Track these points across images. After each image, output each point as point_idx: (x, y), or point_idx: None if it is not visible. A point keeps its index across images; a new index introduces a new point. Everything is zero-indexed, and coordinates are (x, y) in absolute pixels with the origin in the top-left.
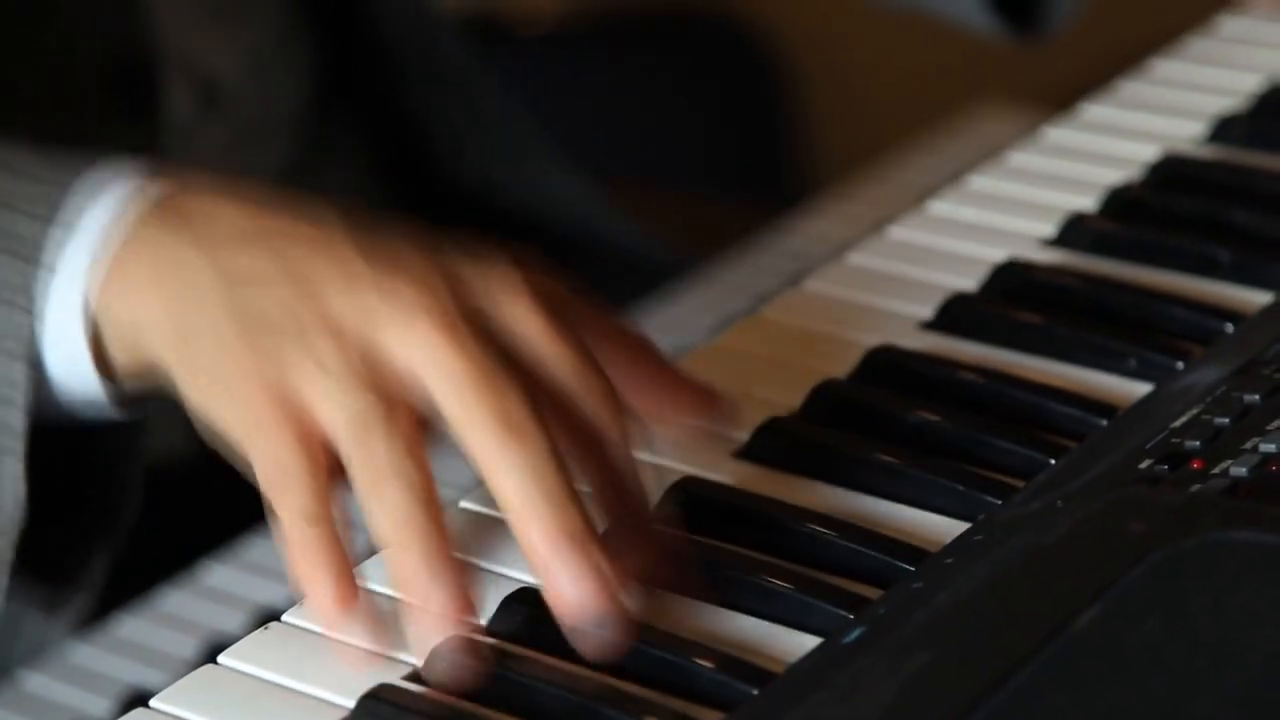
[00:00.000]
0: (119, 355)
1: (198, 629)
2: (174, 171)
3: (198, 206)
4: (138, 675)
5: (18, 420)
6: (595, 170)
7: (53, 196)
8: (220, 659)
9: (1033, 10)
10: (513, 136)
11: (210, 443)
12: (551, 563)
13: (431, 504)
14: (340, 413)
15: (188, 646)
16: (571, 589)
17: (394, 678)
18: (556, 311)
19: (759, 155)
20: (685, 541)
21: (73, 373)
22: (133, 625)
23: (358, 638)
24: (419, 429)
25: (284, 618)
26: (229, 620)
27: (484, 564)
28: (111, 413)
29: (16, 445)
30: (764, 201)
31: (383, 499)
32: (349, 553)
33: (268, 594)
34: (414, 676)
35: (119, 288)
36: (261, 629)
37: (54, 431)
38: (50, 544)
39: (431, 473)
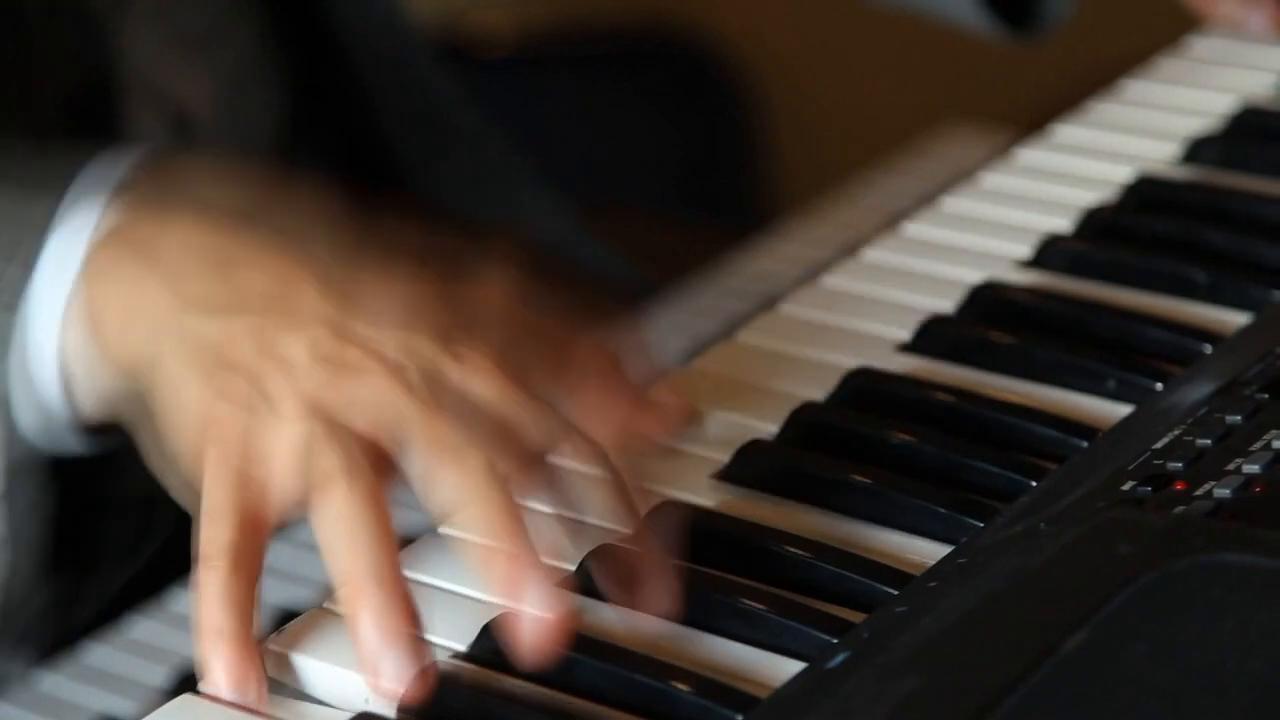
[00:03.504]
0: (87, 398)
1: (168, 656)
2: (142, 200)
3: (167, 243)
4: (107, 704)
5: None
6: (561, 193)
7: (23, 237)
8: (200, 688)
9: (1027, 10)
10: (485, 160)
11: (168, 487)
12: (490, 569)
13: (390, 561)
14: (291, 444)
15: (158, 674)
16: (511, 585)
17: (375, 705)
18: (526, 347)
19: (724, 177)
20: (677, 567)
21: (44, 417)
22: (102, 653)
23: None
24: (380, 487)
25: (264, 644)
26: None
27: (461, 589)
28: (81, 450)
29: None
30: (730, 224)
31: (341, 552)
32: (255, 618)
33: None
34: (405, 709)
35: (87, 328)
36: None
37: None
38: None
39: (391, 533)
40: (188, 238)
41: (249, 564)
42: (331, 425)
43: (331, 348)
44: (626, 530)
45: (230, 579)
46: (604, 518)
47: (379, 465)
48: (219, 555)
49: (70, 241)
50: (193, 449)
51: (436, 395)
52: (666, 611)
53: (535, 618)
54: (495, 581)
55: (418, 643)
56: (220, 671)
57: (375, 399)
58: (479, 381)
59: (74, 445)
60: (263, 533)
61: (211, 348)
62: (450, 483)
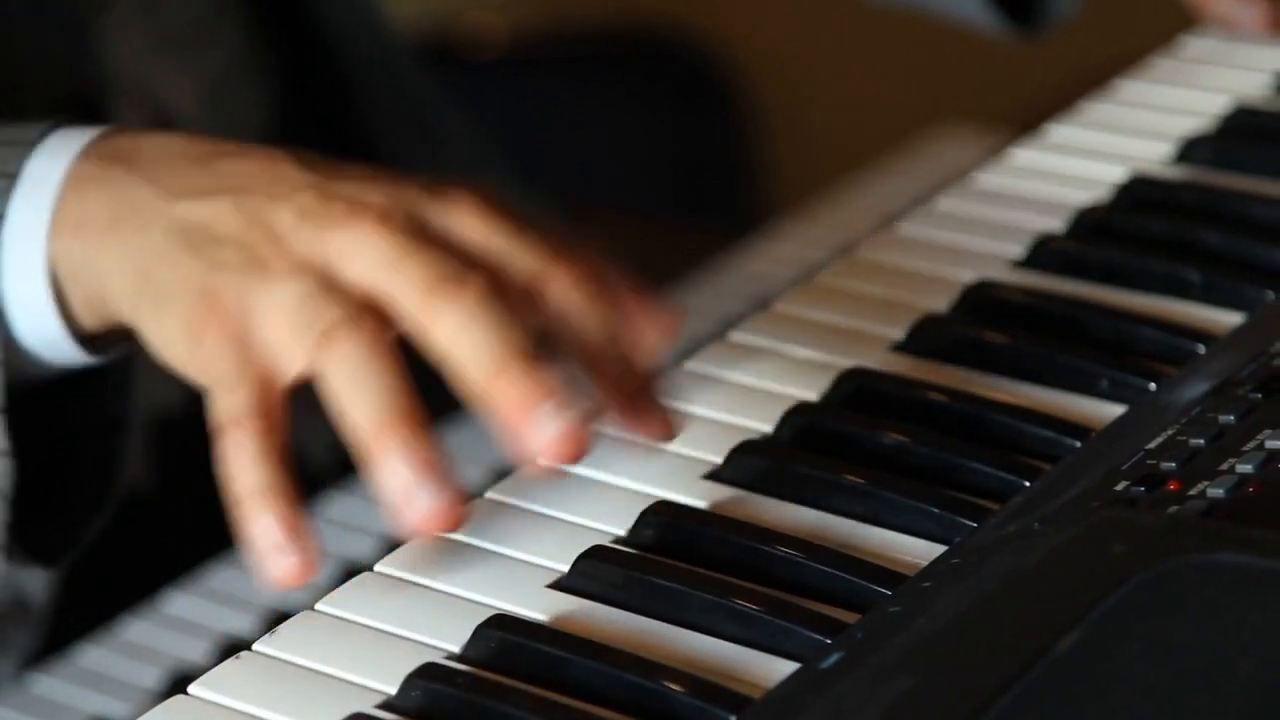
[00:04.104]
0: (82, 307)
1: (161, 658)
2: (125, 131)
3: (146, 144)
4: (100, 706)
5: None
6: (551, 194)
7: (7, 157)
8: (191, 689)
9: (1032, 6)
10: (471, 161)
11: (176, 378)
12: (496, 386)
13: (408, 401)
14: (288, 316)
15: (150, 676)
16: (521, 405)
17: (368, 707)
18: (513, 222)
19: (717, 178)
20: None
21: (41, 333)
22: (95, 655)
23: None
24: (385, 334)
25: (254, 646)
26: (192, 649)
27: (455, 590)
28: (87, 362)
29: None
30: (723, 225)
31: (357, 400)
32: (290, 499)
33: (231, 622)
34: (388, 705)
35: (73, 236)
36: (232, 658)
37: (37, 391)
38: (44, 502)
39: (405, 375)
40: (166, 142)
41: (272, 422)
42: (325, 279)
43: (317, 206)
44: (616, 350)
45: (258, 437)
46: (597, 337)
47: (378, 314)
48: (238, 421)
49: (51, 159)
50: (193, 327)
51: (425, 236)
52: (666, 434)
53: (551, 436)
54: (505, 404)
55: (447, 473)
56: (269, 528)
57: (364, 244)
58: (466, 218)
59: (74, 358)
60: (278, 393)
61: (199, 227)
62: (448, 312)
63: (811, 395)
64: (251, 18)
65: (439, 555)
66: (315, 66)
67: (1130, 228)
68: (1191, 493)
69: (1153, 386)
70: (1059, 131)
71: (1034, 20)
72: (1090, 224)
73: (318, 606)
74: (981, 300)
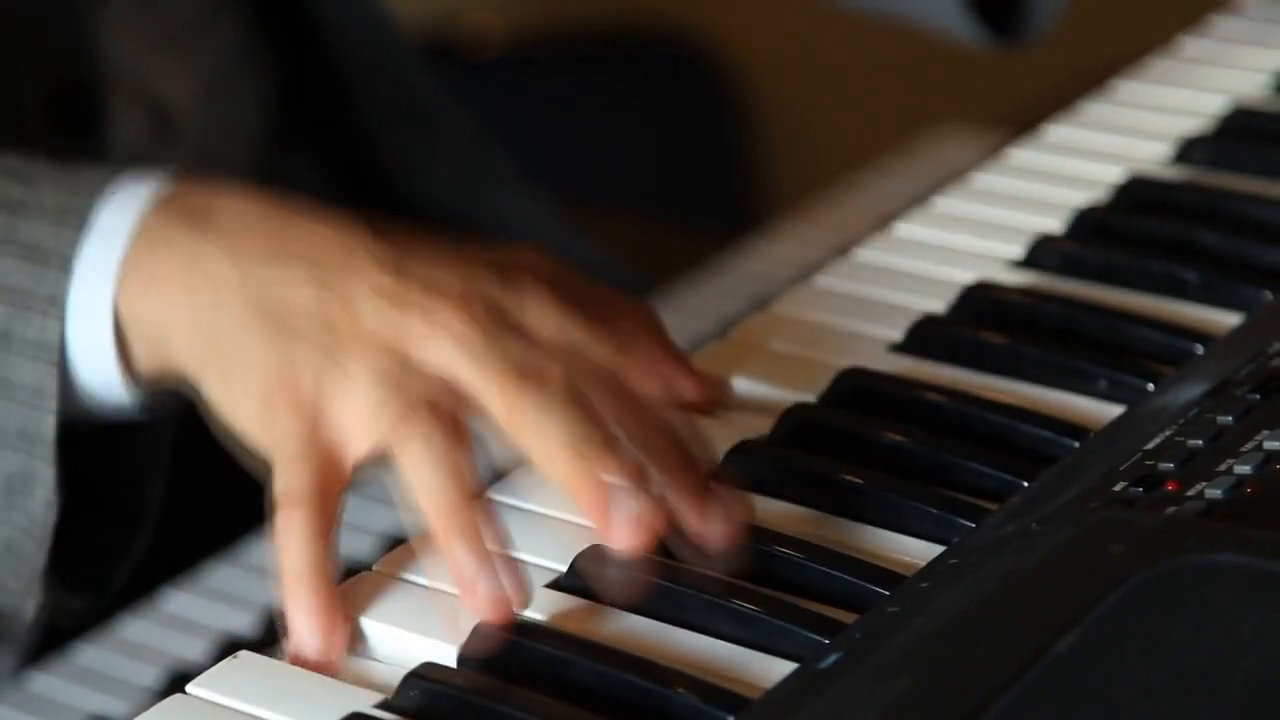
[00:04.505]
0: (143, 357)
1: (159, 657)
2: (193, 178)
3: (220, 207)
4: (99, 704)
5: (48, 428)
6: (552, 193)
7: (74, 203)
8: (189, 688)
9: (1012, 17)
10: (473, 161)
11: (230, 447)
12: (576, 479)
13: (473, 492)
14: (366, 404)
15: (149, 675)
16: (601, 496)
17: (366, 706)
18: (578, 306)
19: (716, 178)
20: (745, 501)
21: (98, 376)
22: (93, 654)
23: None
24: (460, 421)
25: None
26: (190, 648)
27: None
28: (132, 414)
29: (47, 452)
30: (721, 225)
31: (428, 486)
32: (335, 566)
33: (230, 621)
34: (386, 705)
35: (144, 289)
36: (230, 657)
37: (79, 431)
38: (75, 538)
39: (475, 468)
40: (240, 205)
41: (327, 510)
42: (404, 368)
43: (394, 286)
44: (678, 447)
45: (309, 523)
46: (660, 434)
47: (455, 405)
48: (297, 500)
49: (122, 207)
50: (265, 400)
51: (503, 324)
52: (733, 536)
53: (629, 537)
54: (586, 497)
55: (511, 563)
56: (302, 617)
57: (443, 330)
58: (540, 310)
59: (123, 404)
60: (339, 482)
61: (274, 303)
62: (530, 406)
63: (809, 395)
64: (249, 15)
65: (438, 555)
66: (314, 64)
67: (1128, 228)
68: (1190, 493)
69: (1151, 387)
70: (1057, 132)
71: (1013, 31)
72: (1089, 224)
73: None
74: (980, 300)
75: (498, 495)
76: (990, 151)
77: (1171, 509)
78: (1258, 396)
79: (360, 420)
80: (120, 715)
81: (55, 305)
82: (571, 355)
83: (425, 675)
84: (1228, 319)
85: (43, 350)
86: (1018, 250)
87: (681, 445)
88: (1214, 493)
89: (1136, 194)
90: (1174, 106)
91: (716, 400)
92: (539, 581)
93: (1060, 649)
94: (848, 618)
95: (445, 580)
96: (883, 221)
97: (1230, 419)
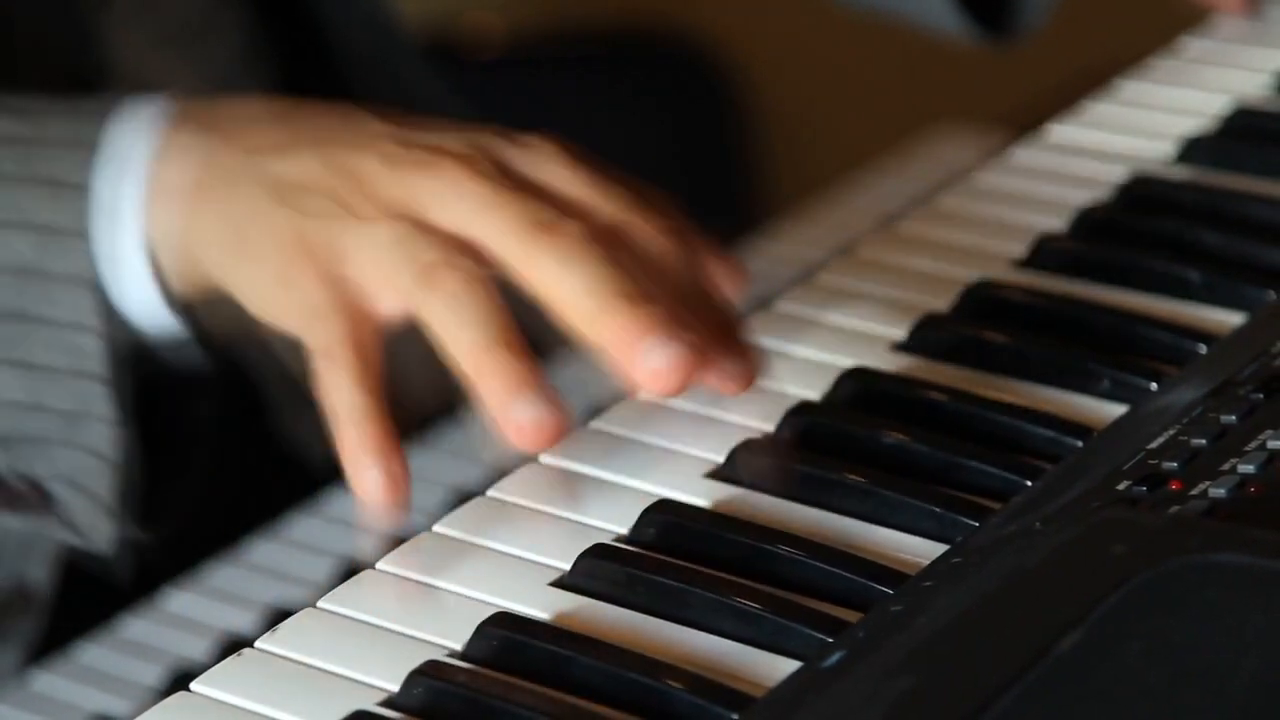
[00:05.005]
0: (177, 271)
1: (162, 656)
2: (195, 95)
3: (226, 110)
4: (101, 703)
5: (97, 357)
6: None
7: (84, 130)
8: (193, 686)
9: (1003, 15)
10: None
11: (269, 340)
12: (600, 324)
13: (509, 327)
14: (382, 257)
15: (151, 674)
16: (627, 339)
17: (370, 704)
18: (594, 169)
19: (716, 178)
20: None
21: (138, 298)
22: (96, 653)
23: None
24: (482, 269)
25: (257, 643)
26: (193, 647)
27: (456, 588)
28: (180, 340)
29: (101, 381)
30: (721, 225)
31: (433, 288)
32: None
33: (232, 620)
34: (390, 703)
35: (165, 203)
36: (234, 655)
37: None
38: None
39: (504, 306)
40: (242, 104)
41: (365, 355)
42: (418, 228)
43: (401, 152)
44: (700, 293)
45: (353, 364)
46: (681, 281)
47: (473, 254)
48: (336, 345)
49: (132, 128)
50: (285, 274)
51: (514, 179)
52: (752, 373)
53: (658, 367)
54: (612, 340)
55: (548, 389)
56: (360, 456)
57: (454, 189)
58: (549, 164)
59: (168, 327)
60: (372, 325)
61: (286, 180)
62: (548, 255)
63: (813, 394)
64: (252, 14)
65: (441, 553)
66: (316, 62)
67: (1131, 227)
68: (1193, 493)
69: (1154, 386)
70: (1060, 131)
71: (1003, 29)
72: (1091, 224)
73: (320, 604)
74: (983, 300)
75: (498, 493)
76: (990, 151)
77: (1175, 508)
78: (1261, 396)
79: (380, 277)
80: (123, 714)
81: (82, 234)
82: (587, 208)
83: (429, 673)
84: (1231, 318)
85: (77, 281)
86: (1021, 249)
87: (704, 291)
88: (1217, 492)
89: (1139, 194)
90: (1177, 106)
91: (739, 277)
92: (542, 580)
93: (1063, 648)
94: (851, 616)
95: (449, 579)
96: (883, 221)
97: (1233, 418)
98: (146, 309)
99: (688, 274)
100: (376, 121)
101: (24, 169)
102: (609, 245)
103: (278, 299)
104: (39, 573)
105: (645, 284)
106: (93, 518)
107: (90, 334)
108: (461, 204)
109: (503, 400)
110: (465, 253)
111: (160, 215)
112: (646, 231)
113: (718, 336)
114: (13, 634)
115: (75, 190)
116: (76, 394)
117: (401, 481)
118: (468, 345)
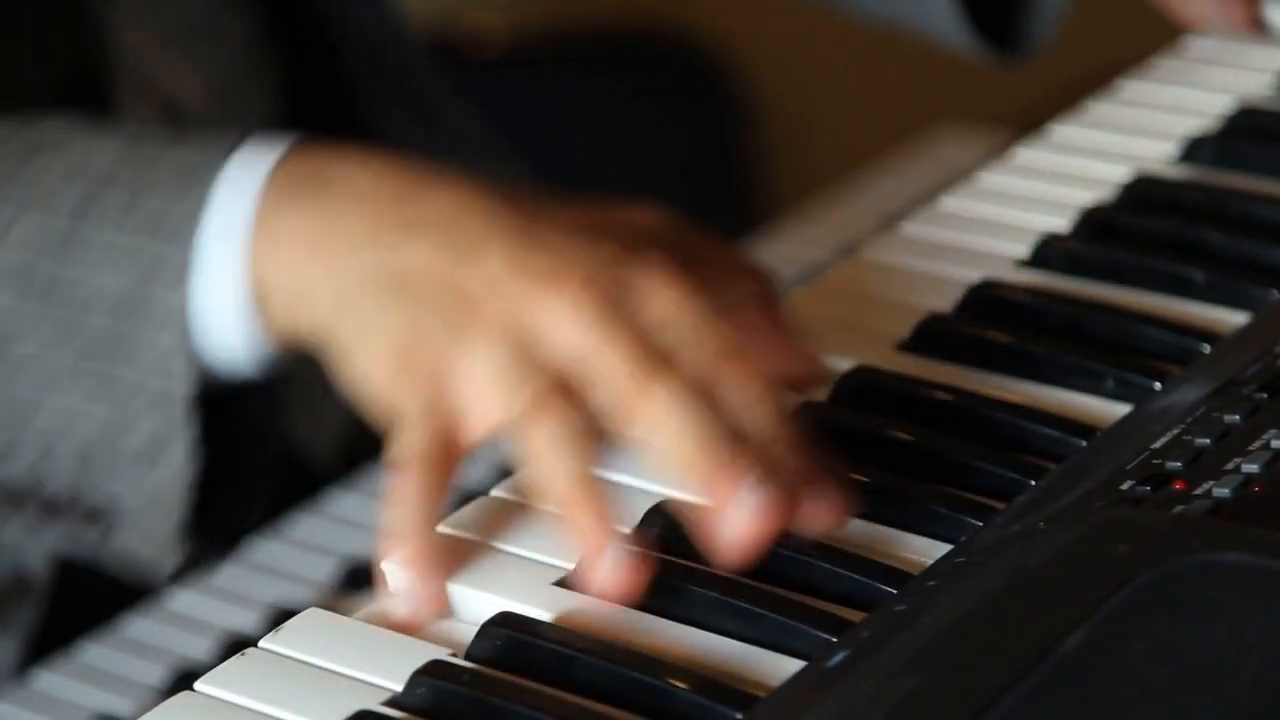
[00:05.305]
0: (273, 317)
1: (165, 655)
2: (318, 142)
3: (344, 167)
4: (104, 703)
5: (183, 391)
6: (553, 193)
7: (198, 168)
8: (197, 685)
9: (1011, 30)
10: (477, 157)
11: (358, 408)
12: (696, 474)
13: (595, 478)
14: (492, 374)
15: (155, 673)
16: (723, 489)
17: (374, 704)
18: (699, 271)
19: (718, 178)
20: (841, 469)
21: (228, 339)
22: (99, 652)
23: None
24: (583, 411)
25: (260, 643)
26: (196, 647)
27: (459, 588)
28: (252, 377)
29: (182, 415)
30: (723, 225)
31: (553, 471)
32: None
33: (235, 620)
34: (393, 702)
35: (272, 250)
36: (238, 655)
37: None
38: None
39: (597, 451)
40: (366, 165)
41: (442, 472)
42: (527, 348)
43: (524, 260)
44: (782, 451)
45: (424, 480)
46: (762, 433)
47: (579, 391)
48: (415, 459)
49: (245, 170)
50: (391, 365)
51: (630, 304)
52: (840, 519)
53: (755, 511)
54: (707, 490)
55: (623, 545)
56: (400, 569)
57: (568, 321)
58: (666, 288)
59: (248, 361)
60: (456, 450)
61: (404, 269)
62: (649, 405)
63: (817, 394)
64: (258, 12)
65: (445, 553)
66: (321, 61)
67: (1134, 227)
68: (1197, 492)
69: (1158, 386)
70: (1063, 131)
71: (1013, 44)
72: (1095, 223)
73: (322, 604)
74: (986, 299)
75: (502, 493)
76: (992, 151)
77: (1178, 508)
78: (1265, 395)
79: (483, 399)
80: (126, 713)
81: (184, 271)
82: (696, 339)
83: (432, 673)
84: (1234, 318)
85: (175, 312)
86: (1024, 249)
87: (794, 431)
88: (1221, 492)
89: (1142, 193)
90: (1180, 106)
91: (817, 377)
92: (545, 579)
93: (1066, 648)
94: (855, 616)
95: (452, 579)
96: (884, 221)
97: (1237, 418)
98: (229, 343)
99: (777, 418)
100: (500, 210)
101: (134, 199)
102: (705, 394)
103: (376, 384)
104: (37, 563)
105: (738, 431)
106: (161, 536)
107: (181, 362)
108: (572, 339)
109: (586, 554)
110: (570, 386)
111: (268, 262)
112: (742, 377)
113: (805, 477)
114: (12, 624)
115: (184, 224)
116: (161, 419)
117: (432, 602)
118: (559, 491)
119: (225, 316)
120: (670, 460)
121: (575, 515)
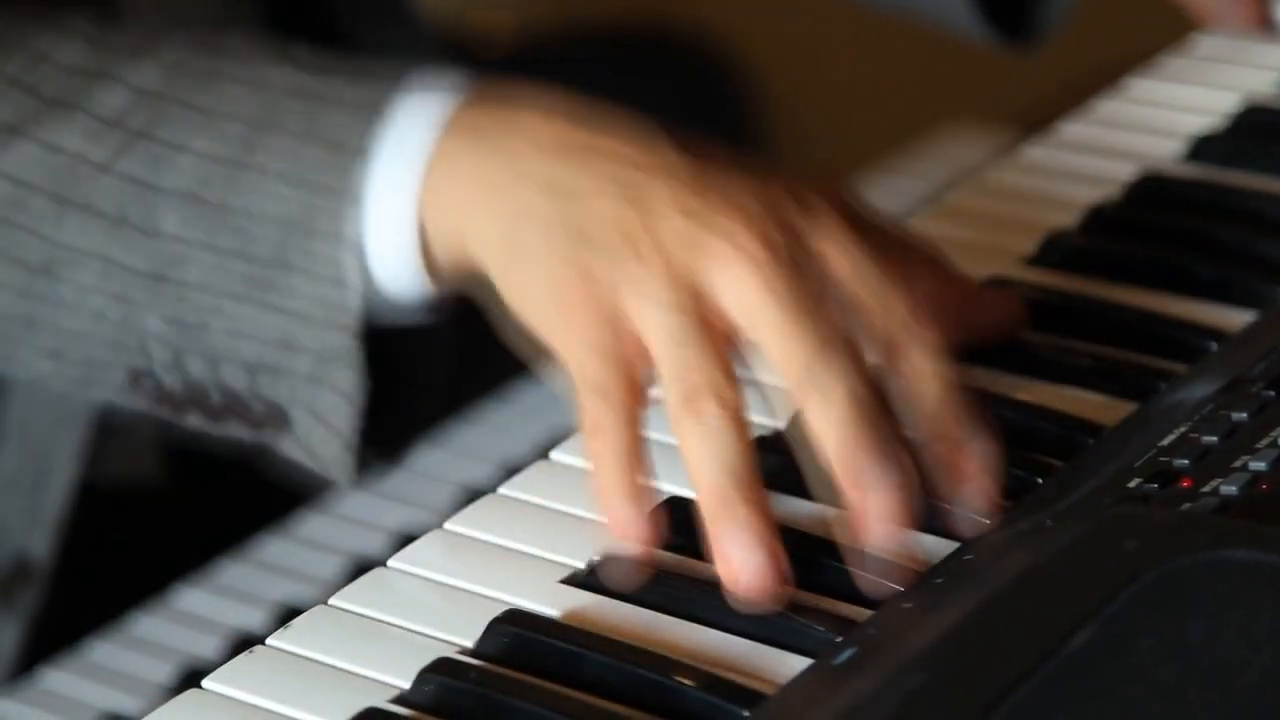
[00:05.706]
0: (442, 251)
1: (172, 654)
2: (494, 88)
3: (521, 107)
4: (112, 701)
5: (352, 309)
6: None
7: (373, 95)
8: (205, 683)
9: (1022, 19)
10: None
11: (521, 345)
12: (862, 473)
13: (752, 477)
14: (661, 331)
15: (162, 671)
16: (880, 500)
17: (382, 701)
18: (867, 242)
19: None
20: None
21: (395, 269)
22: (106, 650)
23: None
24: (743, 407)
25: (268, 641)
26: (203, 645)
27: (466, 585)
28: (418, 315)
29: (351, 332)
30: None
31: (698, 416)
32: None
33: (242, 618)
34: (401, 699)
35: (444, 184)
36: (245, 653)
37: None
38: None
39: (744, 396)
40: (542, 106)
41: (639, 396)
42: (699, 306)
43: (696, 204)
44: (954, 428)
45: (628, 405)
46: (933, 412)
47: (734, 346)
48: (613, 385)
49: (422, 103)
50: (560, 296)
51: (801, 257)
52: (993, 500)
53: (885, 526)
54: (848, 482)
55: (775, 546)
56: (622, 494)
57: (740, 278)
58: (837, 245)
59: (413, 295)
60: (640, 400)
61: (576, 210)
62: (823, 373)
63: None
64: (267, 8)
65: (452, 551)
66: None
67: (1141, 225)
68: (1204, 490)
69: (1165, 384)
70: (1070, 129)
71: (1023, 32)
72: (1101, 221)
73: (331, 601)
74: None
75: (513, 490)
76: (1000, 149)
77: (1186, 506)
78: (1272, 393)
79: (655, 344)
80: (133, 712)
81: (355, 197)
82: (881, 305)
83: (440, 670)
84: (1241, 316)
85: (343, 241)
86: (1030, 247)
87: (967, 405)
88: (1229, 489)
89: (1149, 191)
90: (1187, 104)
91: (1019, 318)
92: (553, 577)
93: (1074, 645)
94: (862, 614)
95: (460, 577)
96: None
97: (1245, 415)
98: (397, 274)
99: (952, 391)
100: (674, 156)
101: (307, 124)
102: (872, 389)
103: (553, 321)
104: (40, 546)
105: (897, 435)
106: (331, 449)
107: (349, 290)
108: (746, 282)
109: (729, 547)
110: (723, 333)
111: (439, 197)
112: (913, 360)
113: (960, 462)
114: (15, 607)
115: (356, 154)
116: (327, 341)
117: (651, 525)
118: (710, 484)
119: (394, 249)
120: (816, 433)
121: (717, 518)
